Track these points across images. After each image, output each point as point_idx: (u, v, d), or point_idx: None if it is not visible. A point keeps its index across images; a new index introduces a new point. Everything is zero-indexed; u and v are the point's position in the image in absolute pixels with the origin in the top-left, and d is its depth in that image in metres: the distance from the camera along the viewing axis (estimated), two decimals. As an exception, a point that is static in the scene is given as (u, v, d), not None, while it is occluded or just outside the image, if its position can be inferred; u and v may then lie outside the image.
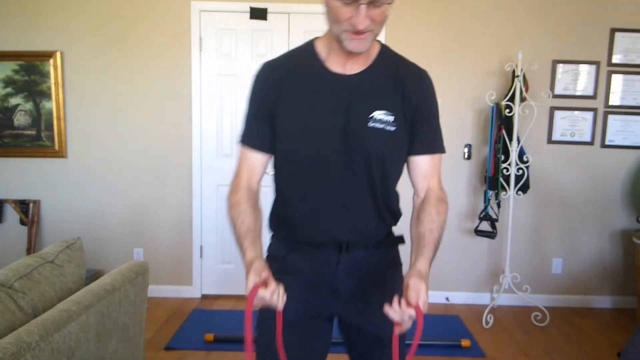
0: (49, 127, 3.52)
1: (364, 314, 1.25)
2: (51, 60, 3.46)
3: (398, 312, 0.99)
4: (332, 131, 1.16)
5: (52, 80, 3.47)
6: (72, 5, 3.44)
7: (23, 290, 1.41)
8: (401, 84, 1.19)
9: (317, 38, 1.24)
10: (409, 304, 0.99)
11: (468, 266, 3.63)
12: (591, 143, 3.54)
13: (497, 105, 3.29)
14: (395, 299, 1.00)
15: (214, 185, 3.60)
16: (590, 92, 3.50)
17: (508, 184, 3.31)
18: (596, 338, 3.12)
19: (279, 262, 1.25)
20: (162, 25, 3.46)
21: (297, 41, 3.41)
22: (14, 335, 1.18)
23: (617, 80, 3.50)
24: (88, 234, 3.55)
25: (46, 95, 3.50)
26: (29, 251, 3.55)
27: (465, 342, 2.88)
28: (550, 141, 3.54)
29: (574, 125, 3.53)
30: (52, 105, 3.50)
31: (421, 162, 1.23)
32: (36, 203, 3.57)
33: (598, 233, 3.62)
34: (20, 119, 3.53)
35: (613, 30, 3.46)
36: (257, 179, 1.25)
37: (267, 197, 1.32)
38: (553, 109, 3.51)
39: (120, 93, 3.51)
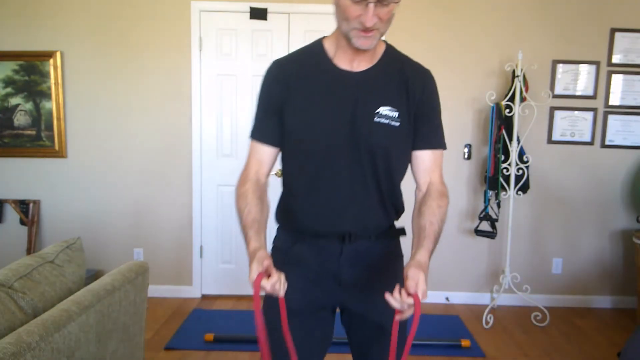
0: (49, 127, 3.52)
1: (366, 302, 1.29)
2: (51, 60, 3.46)
3: (398, 300, 1.03)
4: (339, 126, 1.20)
5: (52, 80, 3.47)
6: (72, 5, 3.44)
7: (23, 290, 1.41)
8: (405, 81, 1.24)
9: (325, 37, 1.29)
10: (408, 293, 1.03)
11: (468, 266, 3.63)
12: (591, 143, 3.55)
13: (497, 105, 3.29)
14: (397, 288, 1.05)
15: (214, 185, 3.60)
16: (590, 92, 3.51)
17: (508, 184, 3.31)
18: (596, 338, 3.12)
19: (284, 253, 1.30)
20: (162, 25, 3.46)
21: (297, 41, 3.42)
22: (14, 335, 1.18)
23: (617, 80, 3.50)
24: (88, 234, 3.55)
25: (46, 95, 3.50)
26: (29, 251, 3.55)
27: (465, 342, 2.88)
28: (550, 141, 3.54)
29: (574, 125, 3.53)
30: (52, 105, 3.50)
31: (423, 157, 1.28)
32: (36, 203, 3.57)
33: (598, 233, 3.62)
34: (20, 119, 3.53)
35: (613, 30, 3.46)
36: (266, 172, 1.30)
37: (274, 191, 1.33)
38: (553, 109, 3.51)
39: (120, 93, 3.51)
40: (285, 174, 1.31)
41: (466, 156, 3.55)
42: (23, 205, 3.56)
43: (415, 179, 1.30)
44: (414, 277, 1.05)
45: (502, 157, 3.27)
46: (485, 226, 3.39)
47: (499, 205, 3.44)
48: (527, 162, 3.30)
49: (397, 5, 1.11)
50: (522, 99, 3.27)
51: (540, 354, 2.86)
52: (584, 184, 3.58)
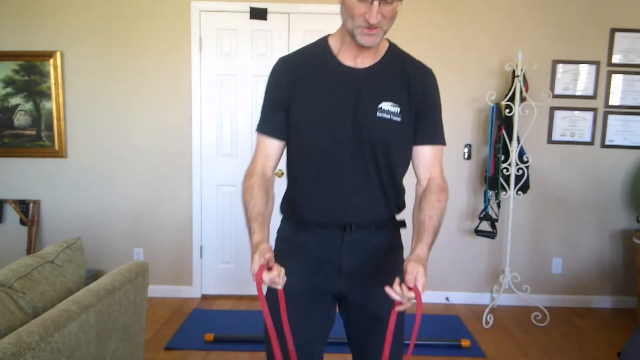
0: (49, 127, 3.52)
1: (365, 292, 1.32)
2: (51, 60, 3.46)
3: (399, 293, 1.08)
4: (342, 120, 1.24)
5: (52, 80, 3.47)
6: (72, 5, 3.44)
7: (23, 290, 1.41)
8: (407, 78, 1.28)
9: (329, 35, 1.33)
10: (409, 287, 1.08)
11: (468, 266, 3.63)
12: (591, 143, 3.55)
13: (497, 105, 3.29)
14: (396, 281, 1.09)
15: (214, 185, 3.60)
16: (590, 92, 3.50)
17: (508, 184, 3.31)
18: (596, 338, 3.12)
19: (288, 242, 1.35)
20: (162, 25, 3.46)
21: (297, 41, 3.42)
22: (14, 335, 1.18)
23: (617, 80, 3.50)
24: (88, 234, 3.55)
25: (46, 95, 3.50)
26: (29, 251, 3.55)
27: (465, 342, 2.88)
28: (550, 141, 3.54)
29: (574, 125, 3.53)
30: (52, 105, 3.50)
31: (423, 152, 1.31)
32: (36, 203, 3.57)
33: (598, 233, 3.62)
34: (20, 119, 3.53)
35: (613, 30, 3.46)
36: (272, 166, 1.33)
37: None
38: (553, 109, 3.51)
39: (120, 93, 3.51)
40: (290, 167, 1.35)
41: (466, 156, 3.55)
42: (23, 205, 3.56)
43: (416, 174, 1.34)
44: (413, 271, 1.09)
45: (502, 157, 3.27)
46: (485, 226, 3.39)
47: (499, 205, 3.44)
48: (527, 162, 3.30)
49: (400, 4, 1.16)
50: (522, 99, 3.27)
51: (540, 354, 2.86)
52: (584, 184, 3.58)
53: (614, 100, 3.51)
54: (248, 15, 3.44)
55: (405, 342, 1.39)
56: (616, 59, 3.48)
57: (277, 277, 1.09)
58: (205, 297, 3.65)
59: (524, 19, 3.46)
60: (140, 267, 1.84)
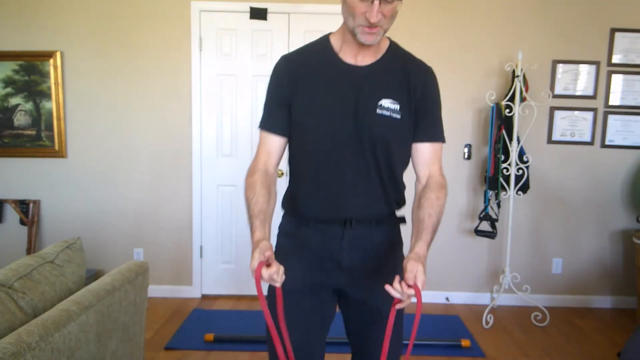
0: (49, 127, 3.52)
1: (365, 287, 1.33)
2: (51, 60, 3.46)
3: (399, 291, 1.09)
4: (343, 117, 1.26)
5: (52, 80, 3.47)
6: (72, 5, 3.44)
7: (23, 290, 1.41)
8: (407, 76, 1.29)
9: (331, 33, 1.35)
10: (408, 285, 1.09)
11: (468, 266, 3.63)
12: (591, 143, 3.54)
13: (497, 105, 3.29)
14: (396, 279, 1.10)
15: (214, 185, 3.60)
16: (590, 92, 3.50)
17: (508, 184, 3.31)
18: (596, 338, 3.12)
19: (289, 237, 1.37)
20: (162, 25, 3.46)
21: (297, 41, 3.41)
22: (14, 335, 1.18)
23: (617, 80, 3.50)
24: (88, 234, 3.55)
25: (46, 95, 3.50)
26: (29, 251, 3.55)
27: (465, 342, 2.88)
28: (550, 141, 3.54)
29: (574, 125, 3.53)
30: (52, 105, 3.50)
31: (423, 150, 1.32)
32: (36, 203, 3.57)
33: (598, 233, 3.62)
34: (20, 119, 3.53)
35: (613, 30, 3.46)
36: (274, 162, 1.34)
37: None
38: (553, 109, 3.51)
39: (120, 93, 3.51)
40: (292, 163, 1.37)
41: (466, 156, 3.55)
42: (23, 205, 3.56)
43: (415, 171, 1.35)
44: (413, 270, 1.11)
45: (502, 157, 3.27)
46: (485, 226, 3.39)
47: (499, 205, 3.44)
48: (527, 162, 3.30)
49: (400, 4, 1.17)
50: (522, 99, 3.27)
51: (540, 354, 2.86)
52: (584, 184, 3.58)
53: (614, 100, 3.51)
54: (248, 15, 3.44)
55: (405, 341, 1.39)
56: (616, 59, 3.48)
57: (275, 273, 1.10)
58: (205, 297, 3.65)
59: (524, 19, 3.46)
60: (140, 267, 1.84)
